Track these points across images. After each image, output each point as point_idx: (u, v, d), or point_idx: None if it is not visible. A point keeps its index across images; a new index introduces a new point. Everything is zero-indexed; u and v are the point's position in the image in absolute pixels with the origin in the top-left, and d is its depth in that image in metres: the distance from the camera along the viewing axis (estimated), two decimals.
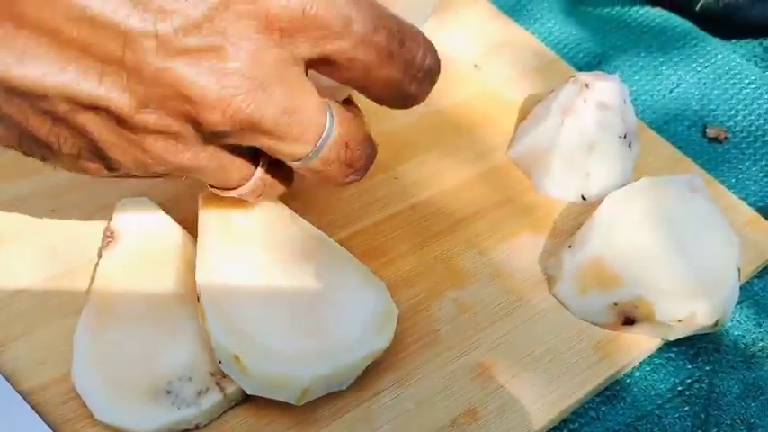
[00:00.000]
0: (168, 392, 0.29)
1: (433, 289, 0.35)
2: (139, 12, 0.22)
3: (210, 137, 0.25)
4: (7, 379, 0.30)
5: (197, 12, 0.22)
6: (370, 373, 0.32)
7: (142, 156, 0.25)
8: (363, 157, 0.28)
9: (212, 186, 0.28)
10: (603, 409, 0.33)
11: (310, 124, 0.25)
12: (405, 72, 0.26)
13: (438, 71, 0.28)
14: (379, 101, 0.28)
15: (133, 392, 0.29)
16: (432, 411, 0.31)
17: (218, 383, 0.29)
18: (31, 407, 0.29)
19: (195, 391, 0.29)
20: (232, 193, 0.29)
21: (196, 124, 0.24)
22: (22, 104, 0.23)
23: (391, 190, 0.39)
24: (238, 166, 0.27)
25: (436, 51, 0.28)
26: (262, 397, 0.30)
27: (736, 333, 0.36)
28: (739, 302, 0.37)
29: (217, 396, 0.29)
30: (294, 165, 0.27)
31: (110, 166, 0.25)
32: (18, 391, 0.30)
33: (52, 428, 0.29)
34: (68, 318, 0.32)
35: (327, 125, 0.26)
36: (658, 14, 0.51)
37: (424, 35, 0.27)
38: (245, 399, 0.30)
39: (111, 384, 0.29)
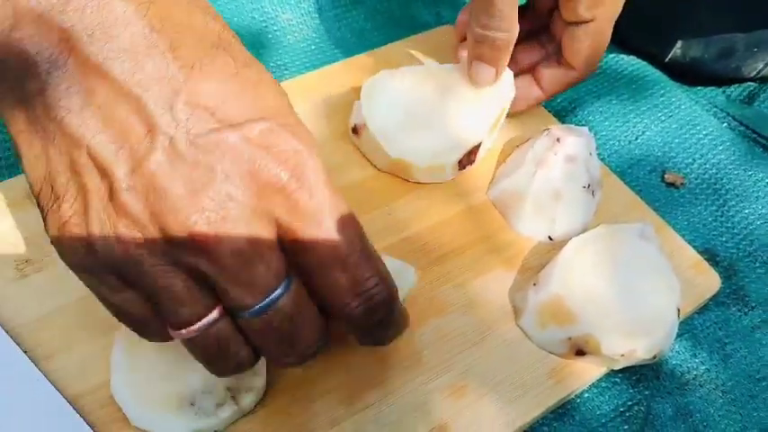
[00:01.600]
0: (192, 404, 0.35)
1: (417, 317, 0.41)
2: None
3: (169, 248, 0.26)
4: (54, 386, 0.36)
5: (207, 130, 0.26)
6: (362, 387, 0.38)
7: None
8: (305, 341, 0.30)
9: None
10: (555, 425, 0.40)
11: (262, 278, 0.27)
12: (350, 285, 0.29)
13: (387, 311, 0.30)
14: (325, 309, 0.30)
15: (163, 404, 0.34)
16: (411, 424, 0.37)
17: (233, 397, 0.35)
18: (76, 411, 0.35)
19: (214, 404, 0.35)
20: (175, 334, 0.29)
21: (162, 227, 0.26)
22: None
23: (386, 223, 0.45)
24: (194, 297, 0.27)
25: (390, 292, 0.30)
26: (268, 409, 0.36)
27: (674, 362, 0.43)
28: (679, 335, 0.43)
29: (233, 407, 0.35)
30: (238, 316, 0.28)
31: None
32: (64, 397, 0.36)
33: (94, 430, 0.35)
34: (105, 334, 0.38)
35: (279, 290, 0.28)
36: (631, 63, 0.57)
37: (384, 271, 0.30)
38: (254, 410, 0.36)
39: (144, 397, 0.35)
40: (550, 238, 0.45)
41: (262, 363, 0.36)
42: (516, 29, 0.43)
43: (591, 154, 0.45)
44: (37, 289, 0.39)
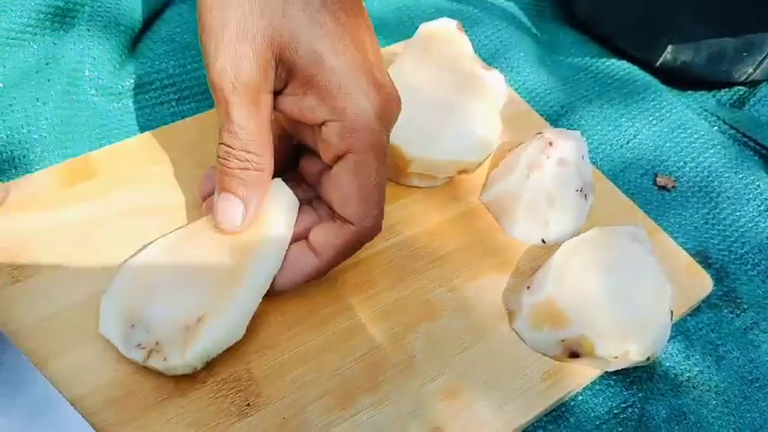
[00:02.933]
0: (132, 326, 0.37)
1: (410, 321, 0.41)
2: None
3: None
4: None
5: None
6: (355, 392, 0.38)
7: None
8: None
9: None
10: (550, 427, 0.40)
11: None
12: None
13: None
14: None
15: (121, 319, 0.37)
16: (406, 428, 0.37)
17: (161, 353, 0.36)
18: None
19: (147, 352, 0.36)
20: None
21: None
22: None
23: None
24: None
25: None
26: (261, 414, 0.36)
27: (667, 364, 0.43)
28: (672, 337, 0.43)
29: (157, 360, 0.36)
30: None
31: None
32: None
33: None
34: (99, 338, 0.38)
35: None
36: (623, 67, 0.57)
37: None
38: (247, 414, 0.36)
39: (118, 308, 0.37)
40: (544, 242, 0.45)
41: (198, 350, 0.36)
42: (268, 153, 0.38)
43: (583, 158, 0.45)
44: (30, 294, 0.39)
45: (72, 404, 0.35)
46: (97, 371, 0.37)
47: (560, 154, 0.44)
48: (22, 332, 0.38)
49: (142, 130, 0.49)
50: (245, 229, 0.39)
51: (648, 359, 0.40)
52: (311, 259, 0.39)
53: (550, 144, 0.45)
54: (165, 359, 0.36)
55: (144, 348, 0.36)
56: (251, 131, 0.37)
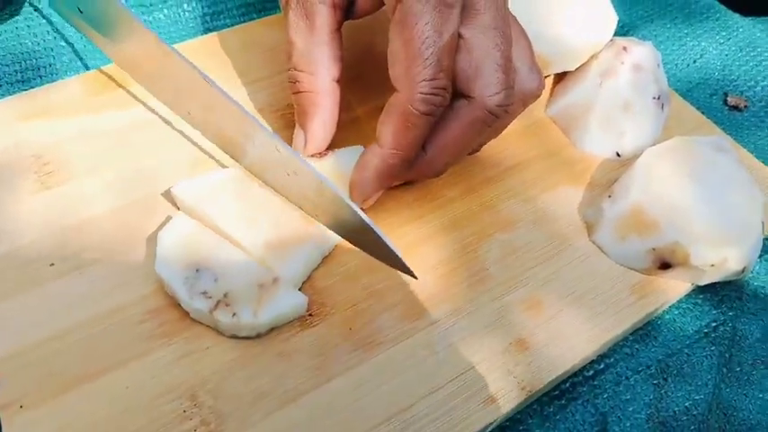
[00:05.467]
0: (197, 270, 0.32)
1: (481, 232, 0.37)
2: None
3: None
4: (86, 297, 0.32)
5: None
6: (426, 304, 0.34)
7: None
8: None
9: None
10: (637, 346, 0.36)
11: None
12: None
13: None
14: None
15: (182, 258, 0.33)
16: (485, 339, 0.33)
17: (231, 307, 0.31)
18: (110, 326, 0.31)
19: (214, 303, 0.31)
20: None
21: None
22: None
23: None
24: None
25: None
26: (328, 322, 0.32)
27: (755, 284, 0.39)
28: (759, 256, 0.40)
29: (225, 315, 0.31)
30: None
31: None
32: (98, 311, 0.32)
33: (129, 346, 0.31)
34: (141, 245, 0.34)
35: None
36: None
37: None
38: (314, 324, 0.33)
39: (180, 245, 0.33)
40: (618, 155, 0.42)
41: (270, 306, 0.32)
42: (321, 72, 0.35)
43: (659, 65, 0.42)
44: (60, 202, 0.35)
45: (108, 316, 0.32)
46: (137, 281, 0.33)
47: (635, 59, 0.41)
48: (51, 239, 0.34)
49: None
50: (313, 153, 0.36)
51: (744, 270, 0.36)
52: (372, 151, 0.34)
53: (624, 49, 0.41)
54: (234, 314, 0.31)
55: (210, 298, 0.31)
56: (298, 47, 0.34)
